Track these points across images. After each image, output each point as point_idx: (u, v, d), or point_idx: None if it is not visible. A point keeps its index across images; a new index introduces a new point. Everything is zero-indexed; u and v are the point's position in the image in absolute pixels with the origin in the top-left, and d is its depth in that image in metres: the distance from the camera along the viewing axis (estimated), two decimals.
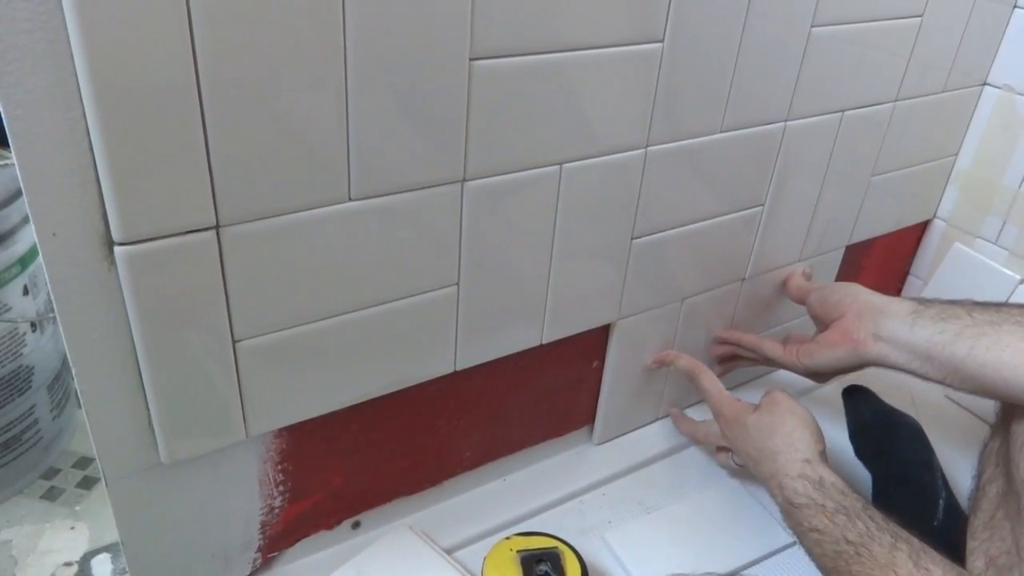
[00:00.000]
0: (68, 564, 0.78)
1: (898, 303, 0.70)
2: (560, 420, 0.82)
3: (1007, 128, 0.93)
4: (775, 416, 0.70)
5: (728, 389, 0.92)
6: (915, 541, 0.56)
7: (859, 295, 0.74)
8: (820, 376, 0.78)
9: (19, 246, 0.81)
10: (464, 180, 0.57)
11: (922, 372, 0.67)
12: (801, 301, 0.84)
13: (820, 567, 0.61)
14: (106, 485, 0.54)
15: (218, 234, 0.49)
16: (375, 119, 0.51)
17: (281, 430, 0.61)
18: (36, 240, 0.44)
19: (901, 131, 0.88)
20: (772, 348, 0.80)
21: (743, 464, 0.74)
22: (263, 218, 0.50)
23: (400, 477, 0.72)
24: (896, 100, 0.85)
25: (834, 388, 0.86)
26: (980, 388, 0.63)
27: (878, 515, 0.59)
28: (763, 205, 0.80)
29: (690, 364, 0.80)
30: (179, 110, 0.44)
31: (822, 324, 0.77)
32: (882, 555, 0.55)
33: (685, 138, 0.68)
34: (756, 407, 0.73)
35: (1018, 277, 0.93)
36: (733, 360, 0.88)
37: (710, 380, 0.78)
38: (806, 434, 0.67)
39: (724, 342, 0.87)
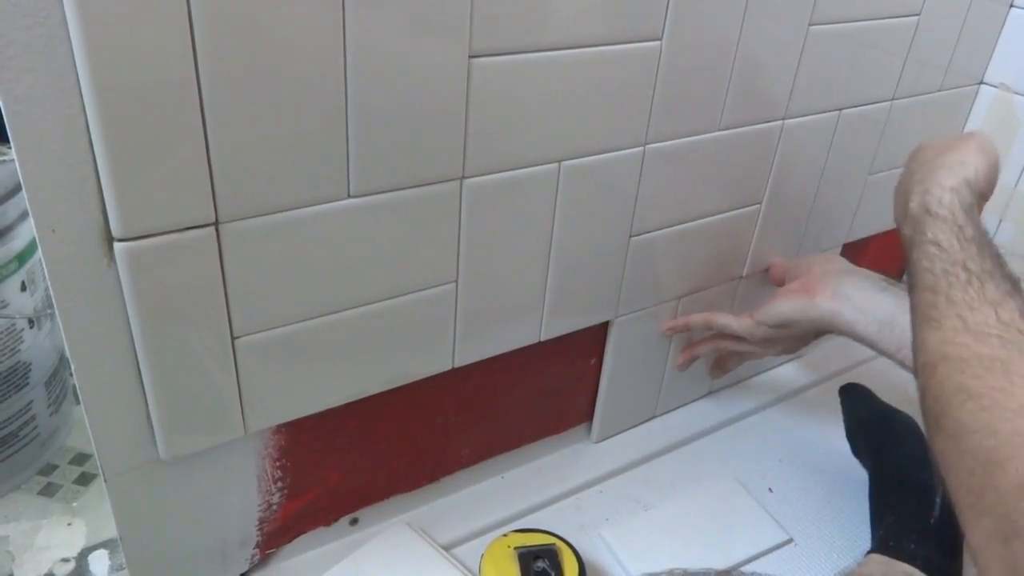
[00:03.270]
0: (65, 560, 0.77)
1: (871, 272, 0.69)
2: (558, 417, 0.82)
3: (1003, 127, 0.93)
4: (960, 140, 0.63)
5: (724, 388, 0.93)
6: None
7: (834, 259, 0.73)
8: (774, 343, 0.76)
9: (17, 242, 0.81)
10: (463, 177, 0.57)
11: (874, 339, 0.65)
12: (782, 282, 0.81)
13: (913, 286, 0.55)
14: (105, 481, 0.54)
15: (217, 230, 0.49)
16: (375, 116, 0.51)
17: (280, 427, 0.61)
18: (35, 236, 0.44)
19: (898, 130, 0.88)
20: (723, 317, 0.78)
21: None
22: (262, 215, 0.50)
23: (398, 474, 0.72)
24: (893, 99, 0.85)
25: (831, 387, 0.86)
26: None
27: (1009, 269, 0.53)
28: (760, 203, 0.80)
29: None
30: (179, 106, 0.44)
31: None
32: (994, 294, 0.50)
33: (683, 136, 0.68)
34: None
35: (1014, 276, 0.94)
36: (718, 365, 0.87)
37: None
38: (983, 163, 0.60)
39: (675, 330, 0.81)
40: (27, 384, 0.85)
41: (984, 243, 0.54)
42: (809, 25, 0.71)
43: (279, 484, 0.64)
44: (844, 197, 0.89)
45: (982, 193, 0.59)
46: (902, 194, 0.63)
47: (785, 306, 0.72)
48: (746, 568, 0.72)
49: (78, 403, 0.65)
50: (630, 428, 0.86)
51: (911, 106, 0.87)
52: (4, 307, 0.81)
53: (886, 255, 1.04)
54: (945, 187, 0.58)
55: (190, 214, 0.47)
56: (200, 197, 0.47)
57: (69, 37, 0.40)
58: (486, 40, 0.53)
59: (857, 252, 0.98)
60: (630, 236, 0.71)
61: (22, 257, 0.82)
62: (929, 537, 0.67)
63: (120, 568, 0.76)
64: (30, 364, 0.85)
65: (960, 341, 0.47)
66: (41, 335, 0.86)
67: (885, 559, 0.66)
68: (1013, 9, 0.89)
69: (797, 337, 0.75)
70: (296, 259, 0.53)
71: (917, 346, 0.51)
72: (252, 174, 0.48)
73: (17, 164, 0.42)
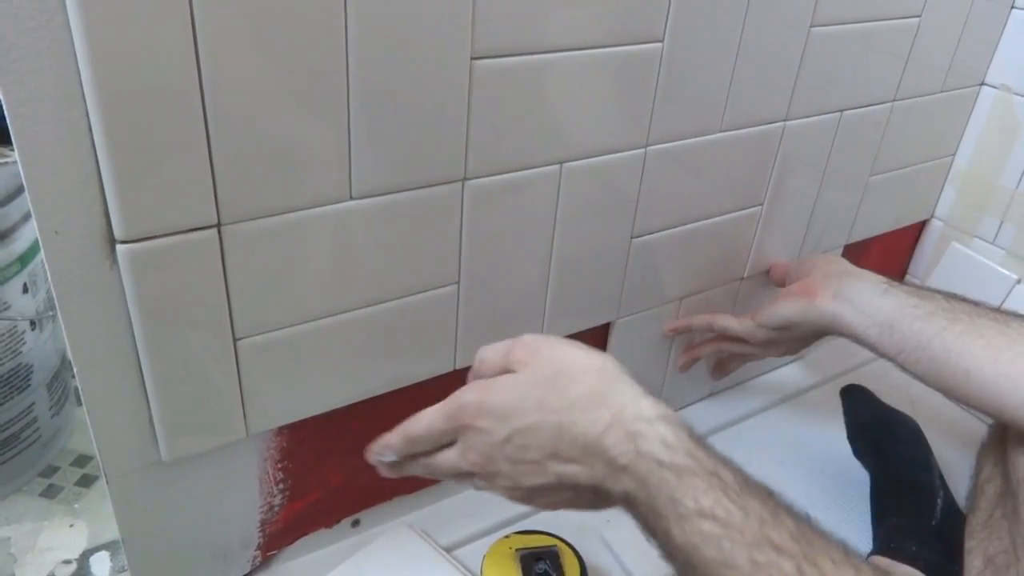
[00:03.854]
0: (67, 562, 0.78)
1: (873, 273, 0.69)
2: None
3: (1004, 128, 0.93)
4: (551, 358, 0.48)
5: (725, 389, 0.93)
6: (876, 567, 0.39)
7: (835, 260, 0.73)
8: (775, 345, 0.77)
9: (19, 244, 0.81)
10: (465, 179, 0.57)
11: (875, 341, 0.65)
12: (783, 283, 0.81)
13: None
14: (107, 482, 0.54)
15: (220, 232, 0.49)
16: (376, 118, 0.51)
17: (281, 428, 0.61)
18: (38, 238, 0.44)
19: (899, 131, 0.88)
20: (725, 319, 0.78)
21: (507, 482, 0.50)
22: (264, 216, 0.50)
23: None
24: (894, 100, 0.85)
25: (832, 389, 0.86)
26: (935, 374, 0.62)
27: (792, 508, 0.41)
28: (762, 205, 0.80)
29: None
30: (181, 108, 0.44)
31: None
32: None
33: (684, 138, 0.69)
34: (504, 370, 0.50)
35: (1015, 277, 0.94)
36: (720, 366, 0.87)
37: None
38: (625, 372, 0.46)
39: (676, 332, 0.81)
40: (29, 386, 0.85)
41: (754, 486, 0.41)
42: (810, 27, 0.71)
43: (281, 486, 0.64)
44: (845, 198, 0.89)
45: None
46: (569, 445, 0.45)
47: (786, 308, 0.72)
48: None
49: (80, 405, 0.65)
50: None
51: (912, 107, 0.87)
52: (6, 309, 0.81)
53: (887, 256, 1.04)
54: (651, 417, 0.43)
55: (192, 216, 0.47)
56: (202, 199, 0.47)
57: (72, 40, 0.40)
58: (488, 41, 0.53)
59: (858, 253, 0.98)
60: (631, 237, 0.71)
61: (24, 259, 0.82)
62: (930, 539, 0.67)
63: (122, 570, 0.76)
64: (32, 366, 0.85)
65: None
66: (43, 337, 0.87)
67: (886, 561, 0.66)
68: (1014, 10, 0.89)
69: (798, 339, 0.75)
70: (298, 261, 0.53)
71: None
72: (254, 176, 0.48)
73: (20, 166, 0.42)
